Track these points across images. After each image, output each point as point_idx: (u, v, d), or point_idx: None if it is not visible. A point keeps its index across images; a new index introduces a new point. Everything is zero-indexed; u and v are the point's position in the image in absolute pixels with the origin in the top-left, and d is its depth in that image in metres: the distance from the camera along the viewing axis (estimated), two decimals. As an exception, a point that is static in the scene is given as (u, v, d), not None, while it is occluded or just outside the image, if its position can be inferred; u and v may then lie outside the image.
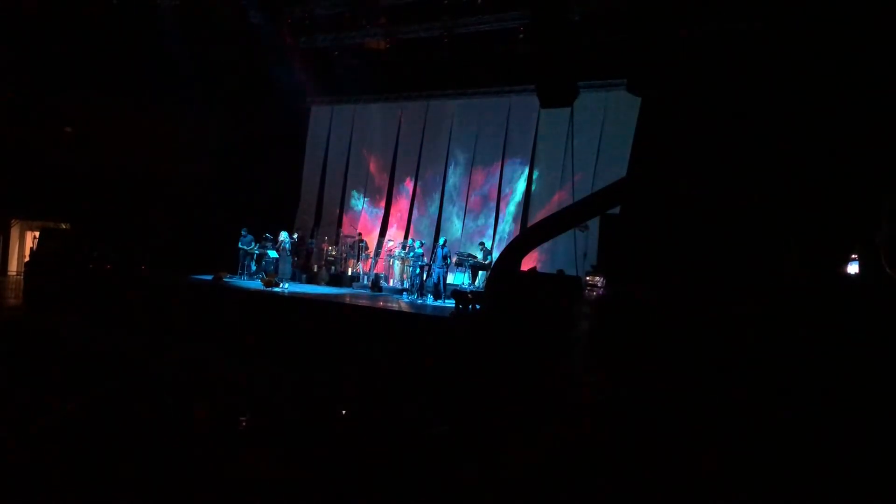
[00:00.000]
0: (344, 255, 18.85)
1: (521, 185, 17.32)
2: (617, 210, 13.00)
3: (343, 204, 20.52)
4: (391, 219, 19.51)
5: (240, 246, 17.97)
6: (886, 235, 2.16)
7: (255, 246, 17.98)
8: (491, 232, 17.53)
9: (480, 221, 17.86)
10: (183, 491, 3.82)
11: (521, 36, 15.80)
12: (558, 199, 16.21)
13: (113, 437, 4.15)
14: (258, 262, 17.98)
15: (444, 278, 15.63)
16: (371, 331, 12.06)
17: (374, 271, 18.12)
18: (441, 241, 16.28)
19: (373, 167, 20.13)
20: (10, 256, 20.73)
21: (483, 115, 18.15)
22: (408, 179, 19.34)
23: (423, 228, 18.64)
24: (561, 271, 13.47)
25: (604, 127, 15.89)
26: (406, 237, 18.28)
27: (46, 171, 18.30)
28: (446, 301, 14.84)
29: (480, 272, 15.86)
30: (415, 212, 19.10)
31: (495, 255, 15.83)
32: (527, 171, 17.24)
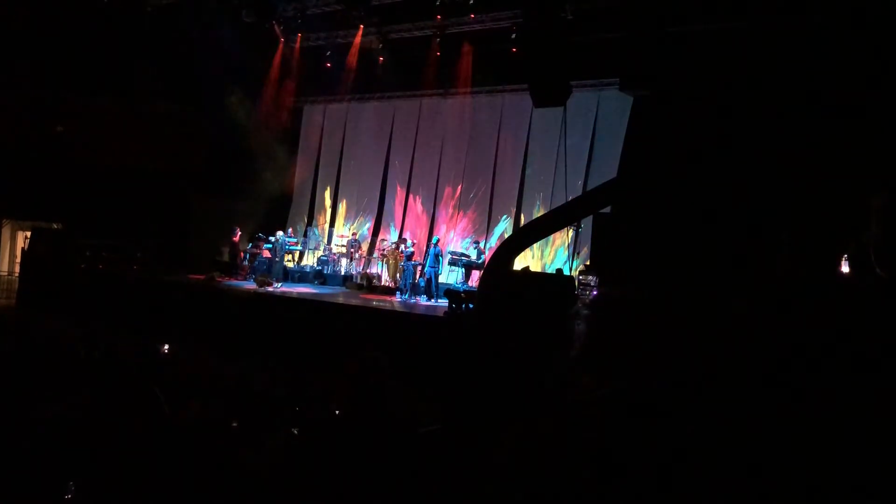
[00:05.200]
0: (336, 255, 18.84)
1: (514, 185, 17.31)
2: (609, 209, 13.01)
3: (336, 203, 20.48)
4: (384, 218, 19.48)
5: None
6: (875, 235, 2.16)
7: (248, 246, 17.95)
8: (484, 231, 17.53)
9: (473, 220, 17.85)
10: (177, 490, 3.82)
11: (514, 35, 15.81)
12: (551, 199, 16.22)
13: (107, 437, 4.13)
14: (251, 261, 17.94)
15: (437, 277, 15.63)
16: (364, 330, 12.06)
17: (367, 271, 18.11)
18: (433, 240, 16.27)
19: (365, 166, 20.09)
20: (1, 257, 20.59)
21: (476, 114, 18.14)
22: (400, 179, 19.30)
23: (416, 227, 18.62)
24: (560, 270, 13.50)
25: (596, 126, 15.91)
26: (399, 236, 18.26)
27: (38, 171, 18.20)
28: (438, 300, 14.84)
29: (473, 271, 15.87)
30: (407, 211, 19.08)
31: (488, 253, 15.84)
32: (520, 171, 17.22)
